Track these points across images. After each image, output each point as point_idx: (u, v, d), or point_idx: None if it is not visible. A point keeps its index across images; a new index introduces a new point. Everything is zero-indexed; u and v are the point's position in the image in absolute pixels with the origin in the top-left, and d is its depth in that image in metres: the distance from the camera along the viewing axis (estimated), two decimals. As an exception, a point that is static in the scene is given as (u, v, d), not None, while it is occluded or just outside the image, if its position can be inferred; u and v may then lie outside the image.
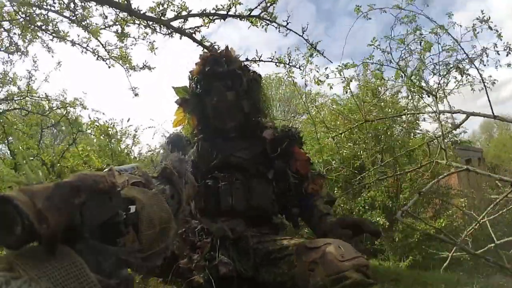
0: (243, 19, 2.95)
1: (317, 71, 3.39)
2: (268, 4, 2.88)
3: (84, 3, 3.05)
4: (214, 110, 1.40)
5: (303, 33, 2.96)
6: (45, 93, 4.02)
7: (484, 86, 2.94)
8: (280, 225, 1.39)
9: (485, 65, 3.10)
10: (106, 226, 0.51)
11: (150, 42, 3.40)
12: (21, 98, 3.97)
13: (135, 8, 2.88)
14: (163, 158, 0.78)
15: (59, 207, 0.42)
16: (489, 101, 2.65)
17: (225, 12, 2.90)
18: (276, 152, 1.39)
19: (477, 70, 2.96)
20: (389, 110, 4.42)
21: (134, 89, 3.66)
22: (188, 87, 1.48)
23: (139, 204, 0.59)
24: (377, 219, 3.77)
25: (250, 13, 2.92)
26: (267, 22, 2.96)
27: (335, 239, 1.11)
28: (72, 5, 3.01)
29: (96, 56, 3.51)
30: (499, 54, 3.03)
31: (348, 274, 0.96)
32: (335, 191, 4.17)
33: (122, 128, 4.44)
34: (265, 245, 1.22)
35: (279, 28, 2.98)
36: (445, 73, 3.22)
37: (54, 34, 3.27)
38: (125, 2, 2.81)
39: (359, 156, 4.29)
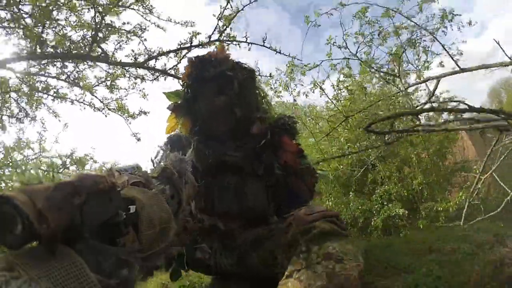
0: (205, 46, 3.29)
1: (302, 85, 3.54)
2: (224, 28, 3.21)
3: (76, 64, 3.48)
4: (205, 115, 1.37)
5: (263, 42, 3.20)
6: (57, 151, 4.08)
7: (443, 47, 2.99)
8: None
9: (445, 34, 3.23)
10: (106, 226, 0.51)
11: (140, 90, 3.84)
12: (36, 157, 3.99)
13: (112, 59, 3.32)
14: (163, 158, 0.78)
15: (59, 207, 0.42)
16: (451, 57, 2.67)
17: (188, 45, 3.29)
18: (261, 143, 1.34)
19: (436, 39, 3.04)
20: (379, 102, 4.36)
21: (135, 134, 3.93)
22: (180, 91, 1.45)
23: (139, 204, 0.59)
24: (397, 210, 3.65)
25: (210, 39, 3.23)
26: (228, 42, 3.25)
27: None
28: (65, 69, 3.48)
29: (93, 107, 3.83)
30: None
31: (317, 224, 1.01)
32: (350, 195, 4.16)
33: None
34: (254, 231, 1.24)
35: (239, 45, 3.25)
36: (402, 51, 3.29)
37: (55, 95, 3.65)
38: (103, 55, 3.24)
39: (366, 154, 4.22)
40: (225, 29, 3.20)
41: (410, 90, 3.53)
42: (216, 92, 1.34)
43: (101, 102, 3.82)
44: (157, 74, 3.51)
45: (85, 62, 3.43)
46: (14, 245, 0.41)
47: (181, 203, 0.74)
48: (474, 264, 1.32)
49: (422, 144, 3.97)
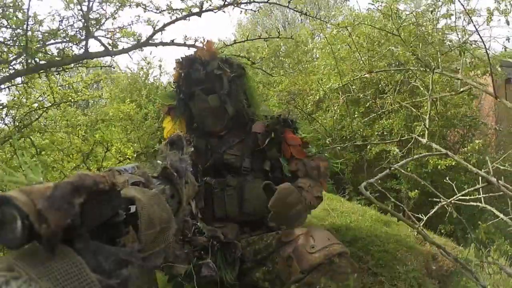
0: (220, 9, 2.84)
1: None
2: None
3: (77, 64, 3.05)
4: (198, 115, 1.38)
5: None
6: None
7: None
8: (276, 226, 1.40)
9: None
10: (106, 226, 0.51)
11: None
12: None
13: (112, 49, 2.94)
14: (163, 158, 0.78)
15: (59, 207, 0.42)
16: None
17: (198, 10, 2.84)
18: (266, 142, 1.35)
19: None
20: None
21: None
22: (173, 92, 1.45)
23: (139, 204, 0.59)
24: (392, 148, 3.63)
25: (225, 2, 2.80)
26: (246, 3, 2.87)
27: (310, 227, 1.14)
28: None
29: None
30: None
31: (322, 280, 0.98)
32: (356, 116, 4.14)
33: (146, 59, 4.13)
34: (253, 246, 1.24)
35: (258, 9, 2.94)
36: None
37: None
38: (105, 49, 2.86)
39: (381, 80, 4.13)
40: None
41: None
42: (207, 92, 1.34)
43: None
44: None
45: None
46: (14, 245, 0.41)
47: (181, 203, 0.75)
48: (411, 255, 1.51)
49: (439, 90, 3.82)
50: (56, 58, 2.77)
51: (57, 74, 3.03)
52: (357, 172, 4.21)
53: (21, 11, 2.44)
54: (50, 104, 3.41)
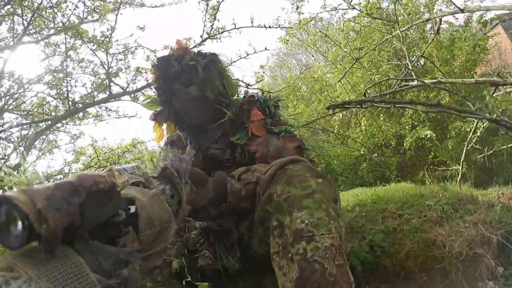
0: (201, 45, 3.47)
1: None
2: (212, 23, 3.32)
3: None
4: (184, 110, 1.35)
5: (252, 23, 3.24)
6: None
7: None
8: None
9: None
10: (106, 226, 0.51)
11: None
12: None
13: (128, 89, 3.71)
14: (163, 158, 0.78)
15: (59, 207, 0.42)
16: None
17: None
18: (236, 132, 1.30)
19: None
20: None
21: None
22: (157, 97, 1.44)
23: (139, 204, 0.59)
24: (426, 133, 3.64)
25: (202, 39, 3.40)
26: (219, 35, 3.39)
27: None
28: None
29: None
30: None
31: (270, 172, 0.98)
32: (381, 117, 4.19)
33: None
34: (245, 223, 1.20)
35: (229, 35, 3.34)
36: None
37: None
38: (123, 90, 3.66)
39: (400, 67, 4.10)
40: (213, 24, 3.30)
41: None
42: (186, 85, 1.33)
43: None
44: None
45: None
46: (14, 245, 0.41)
47: (181, 203, 0.74)
48: (417, 237, 1.39)
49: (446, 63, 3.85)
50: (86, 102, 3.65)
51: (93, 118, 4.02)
52: (403, 176, 4.19)
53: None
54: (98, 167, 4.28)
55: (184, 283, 1.21)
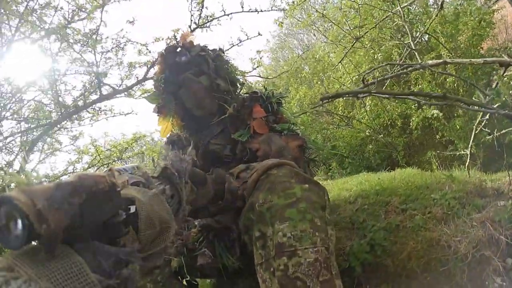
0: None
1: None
2: (200, 12, 3.27)
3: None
4: (192, 100, 1.33)
5: (242, 8, 3.19)
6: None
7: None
8: None
9: None
10: (106, 226, 0.51)
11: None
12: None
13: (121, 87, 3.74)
14: (163, 158, 0.78)
15: (59, 207, 0.42)
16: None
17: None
18: (237, 128, 1.28)
19: None
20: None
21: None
22: (157, 90, 1.40)
23: (139, 204, 0.59)
24: (433, 112, 3.50)
25: (191, 29, 3.30)
26: (208, 24, 3.33)
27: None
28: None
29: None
30: None
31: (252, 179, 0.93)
32: (384, 88, 4.11)
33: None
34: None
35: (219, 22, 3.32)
36: None
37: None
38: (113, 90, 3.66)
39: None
40: (201, 12, 3.21)
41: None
42: (196, 75, 1.32)
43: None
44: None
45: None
46: (14, 245, 0.41)
47: (181, 203, 0.74)
48: (420, 236, 1.32)
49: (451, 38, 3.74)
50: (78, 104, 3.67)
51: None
52: (410, 155, 4.12)
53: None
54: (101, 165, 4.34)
55: (184, 282, 1.21)
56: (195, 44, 1.36)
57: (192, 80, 1.32)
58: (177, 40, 1.40)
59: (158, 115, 1.42)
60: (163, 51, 1.36)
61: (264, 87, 1.45)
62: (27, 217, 0.39)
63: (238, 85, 1.44)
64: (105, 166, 4.24)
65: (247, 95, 1.36)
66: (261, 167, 0.97)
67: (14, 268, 0.40)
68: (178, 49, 1.34)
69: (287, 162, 1.00)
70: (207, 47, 1.40)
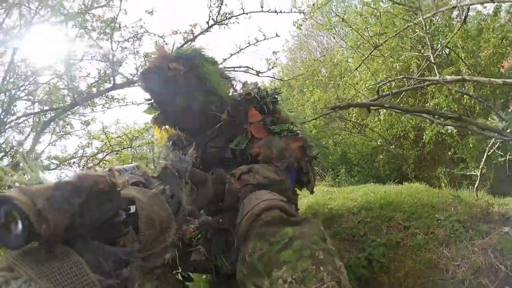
0: (208, 31, 3.24)
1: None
2: (219, 8, 3.10)
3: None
4: (176, 117, 1.35)
5: (262, 8, 3.05)
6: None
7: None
8: None
9: None
10: (106, 226, 0.51)
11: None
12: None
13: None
14: (163, 158, 0.78)
15: (59, 207, 0.42)
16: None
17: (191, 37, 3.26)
18: (232, 132, 1.27)
19: None
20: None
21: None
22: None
23: (139, 204, 0.59)
24: (447, 127, 3.42)
25: (208, 25, 3.15)
26: (226, 22, 3.16)
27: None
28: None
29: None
30: None
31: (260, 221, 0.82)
32: (399, 101, 4.00)
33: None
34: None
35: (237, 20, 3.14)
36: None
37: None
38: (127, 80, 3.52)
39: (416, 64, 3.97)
40: (220, 9, 3.09)
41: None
42: (172, 96, 1.30)
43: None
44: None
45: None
46: (14, 245, 0.41)
47: (181, 203, 0.74)
48: (420, 256, 1.32)
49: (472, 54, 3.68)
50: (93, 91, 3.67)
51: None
52: (420, 170, 4.10)
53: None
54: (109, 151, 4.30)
55: (179, 276, 1.21)
56: (167, 59, 1.27)
57: (168, 103, 1.32)
58: (152, 60, 1.35)
59: (153, 125, 1.46)
60: (142, 72, 1.32)
61: (257, 86, 1.39)
62: (27, 217, 0.39)
63: (225, 87, 1.39)
64: (114, 152, 4.25)
65: (241, 97, 1.33)
66: (250, 214, 0.88)
67: (14, 268, 0.40)
68: (155, 69, 1.27)
69: (276, 204, 0.90)
70: (182, 57, 1.29)
